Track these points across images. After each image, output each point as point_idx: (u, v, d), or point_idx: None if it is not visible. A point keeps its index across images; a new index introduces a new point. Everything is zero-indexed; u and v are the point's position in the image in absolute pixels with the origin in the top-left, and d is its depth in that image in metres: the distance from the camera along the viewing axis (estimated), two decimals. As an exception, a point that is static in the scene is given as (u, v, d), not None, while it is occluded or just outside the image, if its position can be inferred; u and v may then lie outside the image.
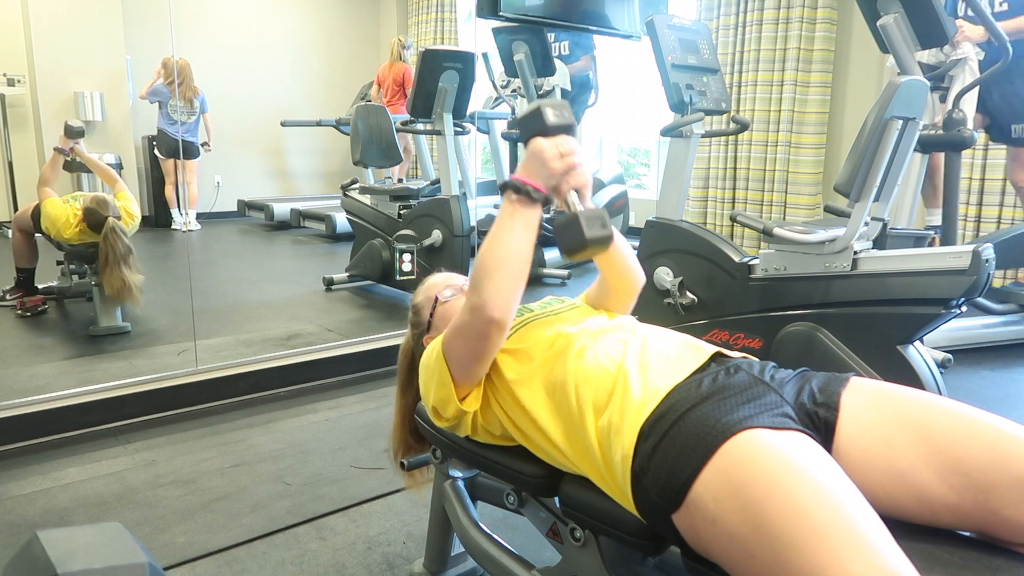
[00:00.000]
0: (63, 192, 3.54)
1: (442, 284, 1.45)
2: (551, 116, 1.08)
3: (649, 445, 0.95)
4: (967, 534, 0.94)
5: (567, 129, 1.10)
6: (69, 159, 3.33)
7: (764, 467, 0.84)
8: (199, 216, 5.97)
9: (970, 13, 3.11)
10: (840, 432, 0.99)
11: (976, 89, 2.91)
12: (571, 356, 1.12)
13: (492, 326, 1.07)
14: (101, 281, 3.11)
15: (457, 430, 1.24)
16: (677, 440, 0.92)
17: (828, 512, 0.79)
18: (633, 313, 1.42)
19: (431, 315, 1.41)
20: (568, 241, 1.05)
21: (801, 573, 0.78)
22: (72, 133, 3.27)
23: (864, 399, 1.01)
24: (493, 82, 4.87)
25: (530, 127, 1.10)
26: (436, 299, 1.42)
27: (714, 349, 1.12)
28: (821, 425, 1.00)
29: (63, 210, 3.20)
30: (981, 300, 3.10)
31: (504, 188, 1.10)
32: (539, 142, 1.08)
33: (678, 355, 1.09)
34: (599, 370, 1.07)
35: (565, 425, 1.09)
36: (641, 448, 0.95)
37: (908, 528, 0.93)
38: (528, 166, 1.09)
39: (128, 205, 3.33)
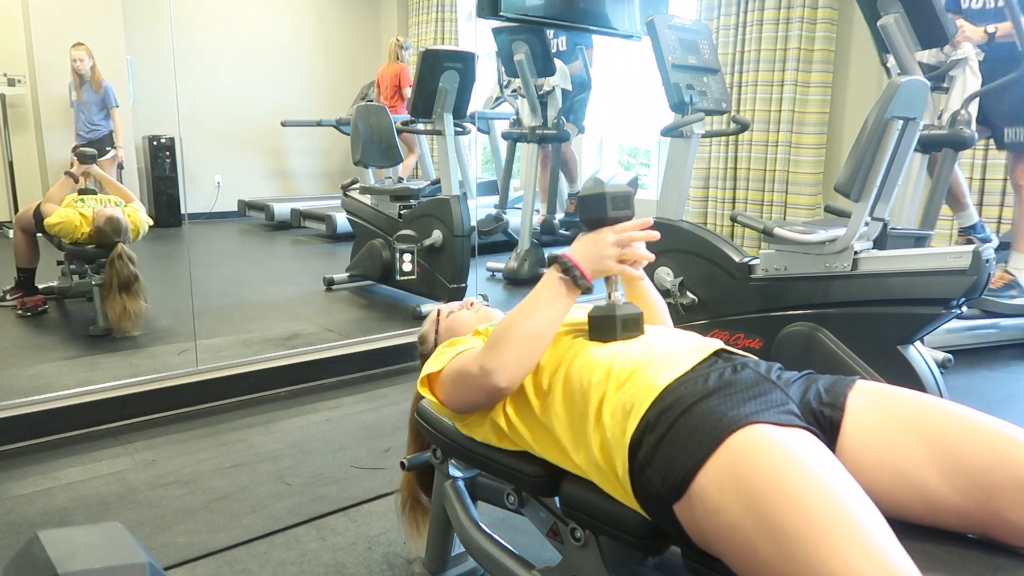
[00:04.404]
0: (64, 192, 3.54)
1: (444, 304, 1.52)
2: (611, 210, 1.15)
3: (655, 436, 0.95)
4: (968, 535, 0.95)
5: (626, 219, 1.17)
6: (83, 187, 3.37)
7: (769, 461, 0.85)
8: (192, 216, 5.94)
9: (974, 6, 3.10)
10: (844, 432, 1.00)
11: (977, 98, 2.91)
12: (574, 352, 1.13)
13: (497, 392, 1.12)
14: (103, 306, 3.16)
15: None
16: (683, 431, 0.93)
17: (832, 508, 0.80)
18: None
19: (436, 332, 1.43)
20: (601, 334, 1.14)
21: (804, 567, 0.78)
22: (85, 159, 3.35)
23: (869, 401, 1.02)
24: (501, 84, 4.87)
25: (590, 212, 1.17)
26: (439, 313, 1.45)
27: (718, 344, 1.12)
28: (826, 425, 1.01)
29: (71, 216, 3.19)
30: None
31: (552, 261, 1.14)
32: (603, 235, 1.14)
33: (681, 349, 1.10)
34: (600, 362, 1.08)
35: (567, 415, 1.09)
36: (646, 439, 0.96)
37: (909, 528, 0.93)
38: (582, 249, 1.14)
39: (138, 219, 3.35)
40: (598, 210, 1.15)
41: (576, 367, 1.10)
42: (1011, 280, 3.19)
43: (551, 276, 1.14)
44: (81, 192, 3.36)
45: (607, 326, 1.14)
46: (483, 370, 1.10)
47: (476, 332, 1.33)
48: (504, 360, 1.09)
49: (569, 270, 1.12)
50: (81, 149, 3.33)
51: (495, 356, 1.10)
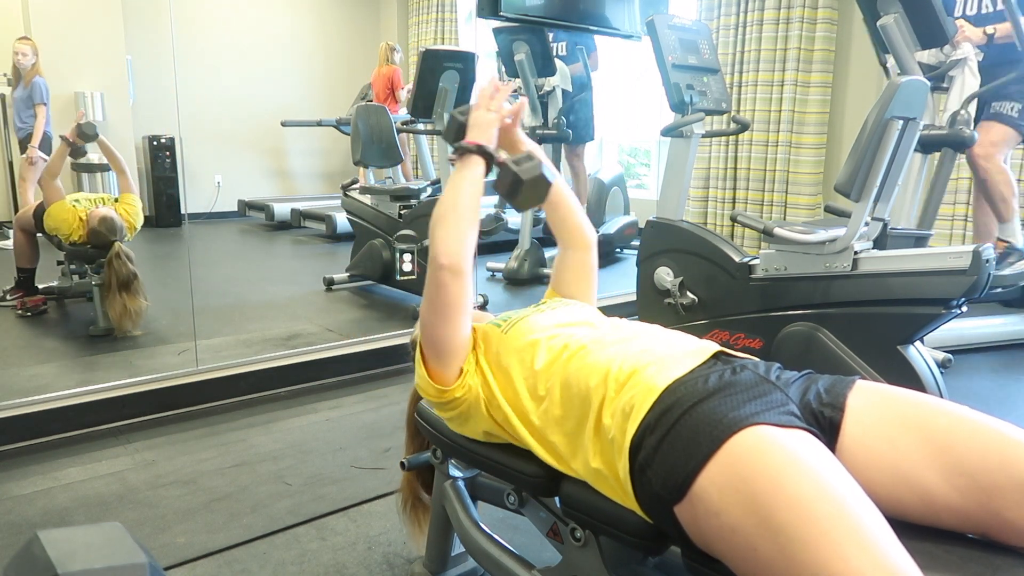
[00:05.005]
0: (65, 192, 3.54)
1: None
2: (459, 116, 1.31)
3: (655, 438, 0.95)
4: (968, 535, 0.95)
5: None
6: (77, 153, 3.36)
7: (769, 462, 0.85)
8: (192, 216, 5.91)
9: (968, 12, 3.10)
10: (845, 432, 1.00)
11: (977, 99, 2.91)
12: (571, 355, 1.13)
13: (443, 272, 1.13)
14: (104, 305, 3.15)
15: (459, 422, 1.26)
16: (683, 433, 0.93)
17: (832, 508, 0.80)
18: (635, 314, 1.43)
19: None
20: (506, 186, 1.22)
21: (805, 567, 0.79)
22: (87, 138, 3.35)
23: (869, 401, 1.02)
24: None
25: (453, 133, 1.32)
26: None
27: (716, 347, 1.12)
28: (826, 425, 1.01)
29: (70, 214, 3.20)
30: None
31: (451, 159, 1.24)
32: (471, 114, 1.29)
33: (680, 351, 1.10)
34: (596, 365, 1.08)
35: (565, 420, 1.10)
36: (647, 441, 0.96)
37: (909, 528, 0.93)
38: (470, 132, 1.27)
39: (132, 212, 3.34)
40: (455, 127, 1.32)
41: (573, 370, 1.10)
42: (1007, 247, 3.14)
43: (456, 166, 1.25)
44: (74, 166, 3.34)
45: (505, 174, 1.23)
46: (428, 263, 1.15)
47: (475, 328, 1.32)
48: (437, 240, 1.15)
49: (459, 147, 1.24)
50: (82, 126, 3.31)
51: (431, 244, 1.15)
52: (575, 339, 1.17)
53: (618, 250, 5.36)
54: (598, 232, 4.83)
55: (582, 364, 1.10)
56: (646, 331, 1.20)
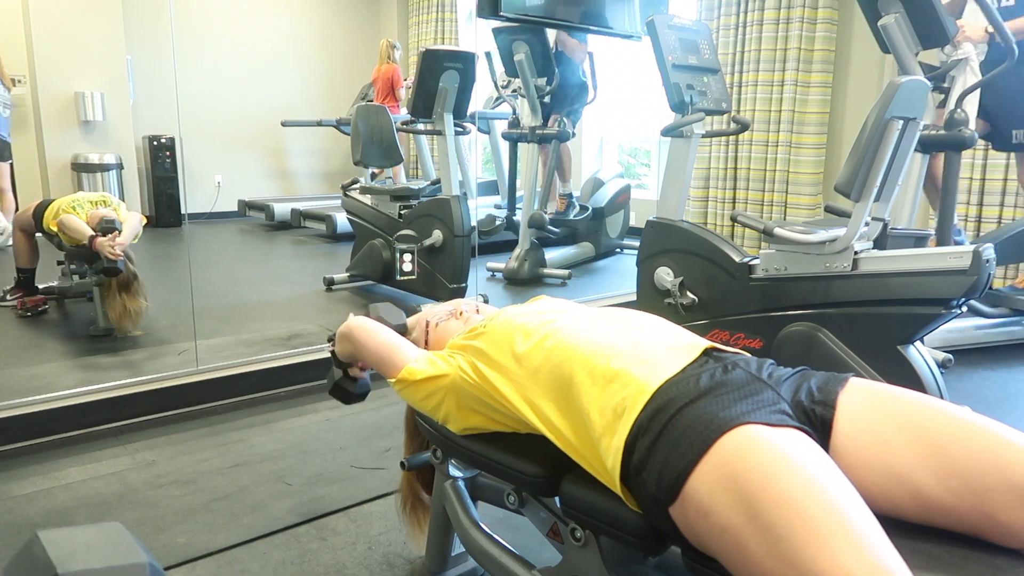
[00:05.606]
0: (64, 192, 3.54)
1: (431, 312, 1.53)
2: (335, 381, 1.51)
3: (648, 440, 0.96)
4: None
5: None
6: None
7: (759, 461, 0.85)
8: (192, 216, 5.91)
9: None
10: (837, 431, 0.99)
11: (978, 92, 2.91)
12: (554, 344, 1.15)
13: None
14: (104, 306, 3.15)
15: (441, 408, 1.27)
16: (675, 434, 0.93)
17: (821, 506, 0.80)
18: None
19: (426, 343, 1.46)
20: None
21: (792, 565, 0.79)
22: (108, 231, 3.14)
23: (862, 399, 1.01)
24: (495, 82, 4.88)
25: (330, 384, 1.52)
26: (427, 324, 1.47)
27: (706, 343, 1.13)
28: (818, 423, 1.00)
29: (79, 235, 3.19)
30: (974, 302, 3.09)
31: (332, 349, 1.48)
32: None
33: (670, 347, 1.10)
34: (584, 358, 1.09)
35: (559, 407, 1.11)
36: (640, 443, 0.97)
37: (908, 527, 0.93)
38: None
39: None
40: (331, 382, 1.52)
41: (556, 361, 1.12)
42: None
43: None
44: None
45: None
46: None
47: (451, 345, 1.32)
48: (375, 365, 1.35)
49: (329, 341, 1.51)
50: (107, 267, 3.05)
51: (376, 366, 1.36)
52: (555, 326, 1.18)
53: (618, 250, 5.36)
54: (589, 208, 4.96)
55: (566, 356, 1.11)
56: (629, 320, 1.20)
